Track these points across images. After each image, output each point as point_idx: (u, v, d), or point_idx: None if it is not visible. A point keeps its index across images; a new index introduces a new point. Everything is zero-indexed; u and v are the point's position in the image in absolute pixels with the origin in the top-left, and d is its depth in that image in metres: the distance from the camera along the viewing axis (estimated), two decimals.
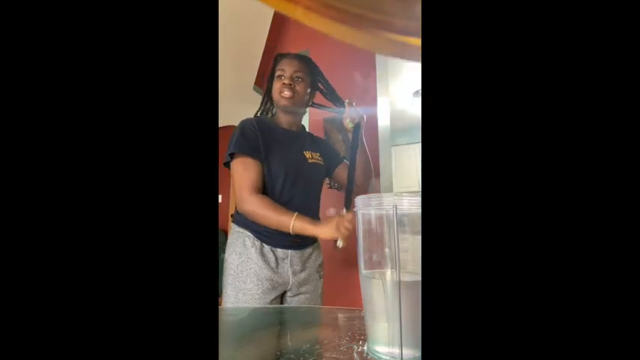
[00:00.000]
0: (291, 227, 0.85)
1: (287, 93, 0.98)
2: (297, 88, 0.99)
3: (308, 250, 1.00)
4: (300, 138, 1.05)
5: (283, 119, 1.03)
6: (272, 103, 1.05)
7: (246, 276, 0.92)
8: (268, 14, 2.24)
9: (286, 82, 0.99)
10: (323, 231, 0.84)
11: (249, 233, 0.95)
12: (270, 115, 1.07)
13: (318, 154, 1.05)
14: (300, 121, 1.07)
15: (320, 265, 1.04)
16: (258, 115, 1.06)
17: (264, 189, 0.94)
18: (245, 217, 0.94)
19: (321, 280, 1.04)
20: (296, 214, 0.86)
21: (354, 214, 0.85)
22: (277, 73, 1.01)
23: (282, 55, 1.03)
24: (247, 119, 0.99)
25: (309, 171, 1.00)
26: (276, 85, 1.01)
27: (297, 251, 0.98)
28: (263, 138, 0.95)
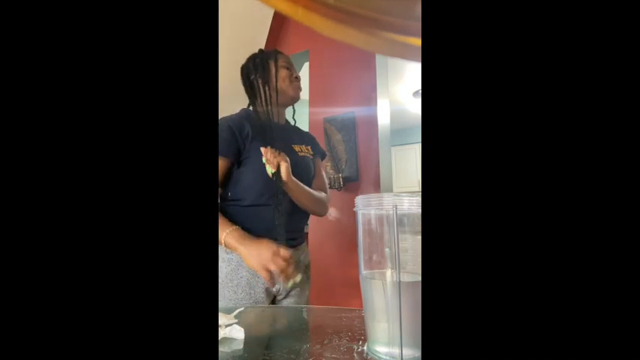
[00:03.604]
0: (222, 241, 0.79)
1: (300, 85, 0.96)
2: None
3: (297, 252, 0.94)
4: (288, 131, 0.98)
5: (278, 113, 0.96)
6: (272, 93, 0.93)
7: (237, 285, 0.84)
8: (268, 14, 2.24)
9: (297, 75, 0.96)
10: (250, 260, 0.76)
11: None
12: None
13: (305, 146, 0.98)
14: (284, 115, 1.01)
15: (307, 266, 0.98)
16: (263, 105, 0.93)
17: (251, 186, 0.86)
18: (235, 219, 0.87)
19: (309, 281, 0.99)
20: (232, 228, 0.80)
21: (292, 252, 0.78)
22: (283, 64, 0.94)
23: (278, 52, 0.98)
24: (232, 116, 0.90)
25: (299, 165, 0.90)
26: (284, 75, 0.93)
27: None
28: (254, 132, 0.87)
